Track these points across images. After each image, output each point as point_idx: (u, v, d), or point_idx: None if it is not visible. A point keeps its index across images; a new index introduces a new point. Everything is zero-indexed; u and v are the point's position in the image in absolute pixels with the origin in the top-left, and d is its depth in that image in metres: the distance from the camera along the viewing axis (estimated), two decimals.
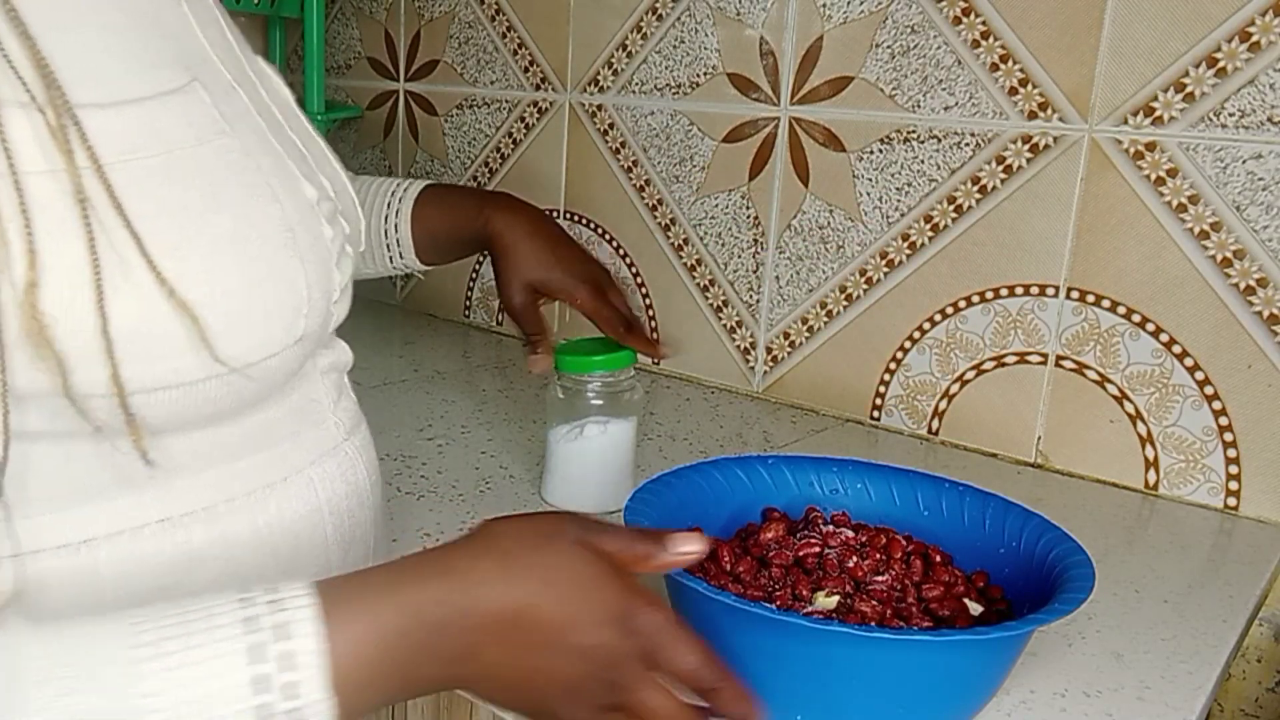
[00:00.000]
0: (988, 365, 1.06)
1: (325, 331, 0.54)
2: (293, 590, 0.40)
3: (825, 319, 1.17)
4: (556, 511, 0.52)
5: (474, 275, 1.52)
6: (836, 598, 0.61)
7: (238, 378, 0.46)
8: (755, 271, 1.21)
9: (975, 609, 0.62)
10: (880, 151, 1.10)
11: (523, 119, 1.41)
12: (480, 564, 0.44)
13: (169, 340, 0.43)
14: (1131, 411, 0.98)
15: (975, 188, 1.04)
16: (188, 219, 0.44)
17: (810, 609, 0.60)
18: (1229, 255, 0.91)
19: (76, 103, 0.42)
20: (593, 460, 0.84)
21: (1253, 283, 0.90)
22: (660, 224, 1.29)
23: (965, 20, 1.02)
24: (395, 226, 0.87)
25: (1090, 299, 0.99)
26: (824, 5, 1.11)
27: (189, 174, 0.45)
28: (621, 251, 1.34)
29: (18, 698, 0.35)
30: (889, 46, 1.07)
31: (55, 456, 0.45)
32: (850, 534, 0.67)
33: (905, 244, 1.09)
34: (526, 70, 1.39)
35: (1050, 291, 1.01)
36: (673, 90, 1.25)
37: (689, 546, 0.49)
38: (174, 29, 0.50)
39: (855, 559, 0.64)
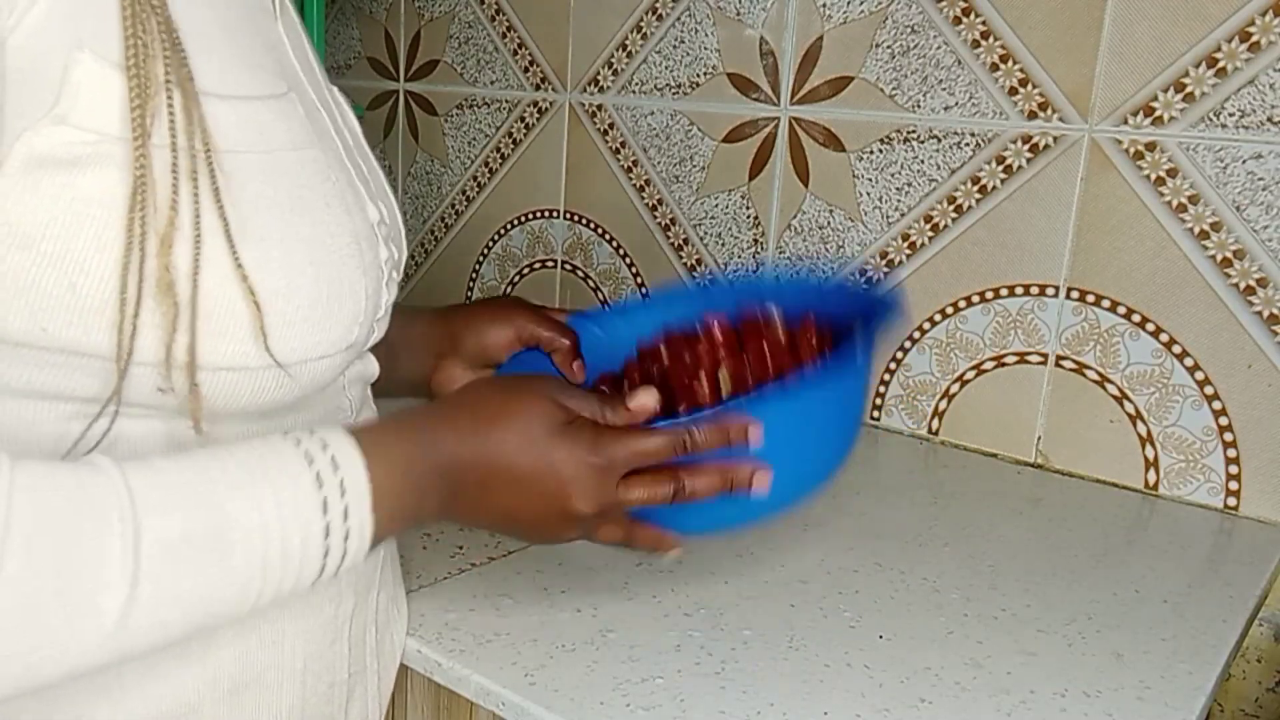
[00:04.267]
0: (988, 365, 1.06)
1: (366, 345, 0.56)
2: (332, 433, 0.48)
3: None
4: (530, 374, 0.59)
5: (474, 275, 1.52)
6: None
7: (291, 371, 0.49)
8: (755, 272, 1.21)
9: None
10: (880, 151, 1.10)
11: (523, 119, 1.41)
12: (460, 420, 0.53)
13: (236, 323, 0.46)
14: (1131, 411, 0.98)
15: (975, 188, 1.04)
16: (274, 216, 0.47)
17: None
18: (1229, 255, 0.91)
19: (201, 89, 0.45)
20: None
21: (1253, 283, 0.90)
22: (660, 224, 1.29)
23: (965, 20, 1.02)
24: None
25: (1090, 299, 0.99)
26: (824, 5, 1.11)
27: (282, 175, 0.48)
28: (621, 251, 1.34)
29: (139, 518, 0.40)
30: (889, 46, 1.07)
31: (124, 434, 0.47)
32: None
33: (905, 244, 1.09)
34: (526, 70, 1.39)
35: (1050, 291, 1.01)
36: (673, 90, 1.25)
37: (646, 401, 0.57)
38: (273, 43, 0.53)
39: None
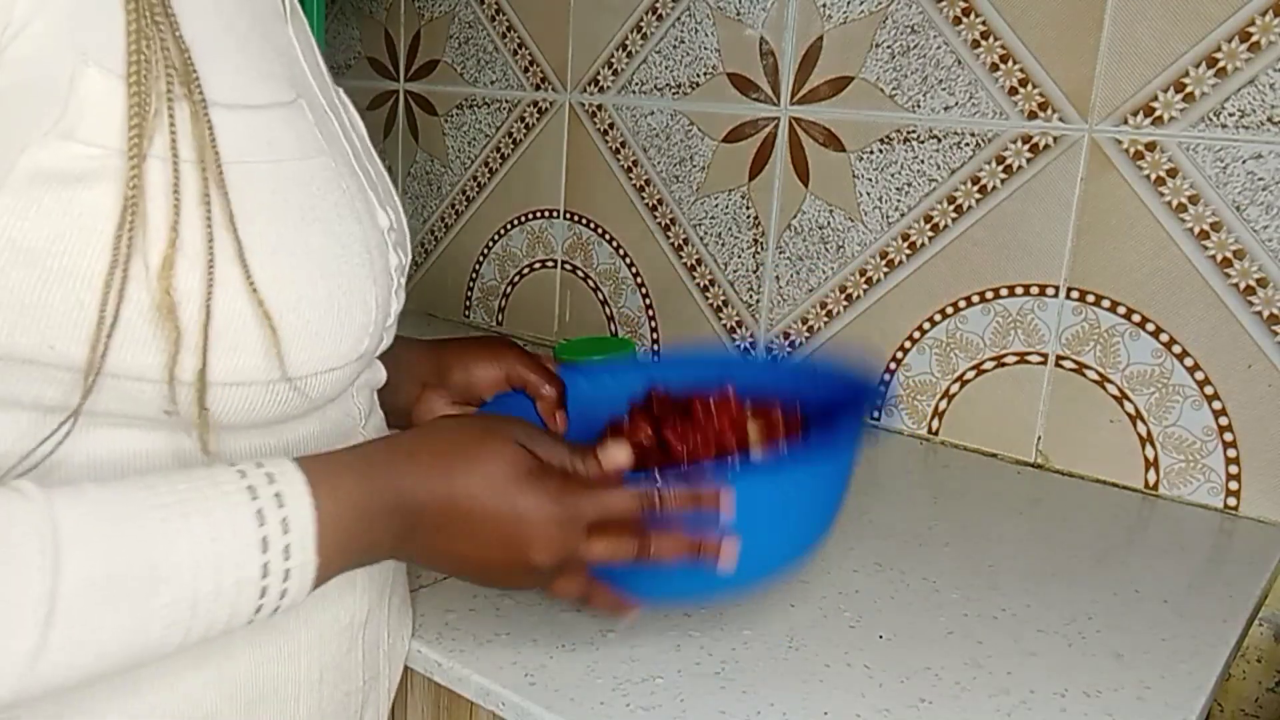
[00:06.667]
0: (988, 365, 1.06)
1: (376, 354, 0.56)
2: (281, 466, 0.46)
3: (825, 319, 1.17)
4: (499, 415, 0.57)
5: (474, 275, 1.52)
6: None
7: (303, 384, 0.48)
8: (755, 271, 1.21)
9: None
10: (880, 151, 1.10)
11: (523, 119, 1.41)
12: (422, 456, 0.51)
13: (248, 338, 0.45)
14: (1131, 411, 0.98)
15: (975, 188, 1.04)
16: (285, 227, 0.46)
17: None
18: (1229, 255, 0.91)
19: (209, 100, 0.44)
20: None
21: (1253, 283, 0.90)
22: (660, 224, 1.29)
23: (965, 20, 1.02)
24: None
25: (1090, 299, 0.99)
26: (824, 5, 1.11)
27: (292, 184, 0.47)
28: (621, 251, 1.34)
29: (60, 555, 0.38)
30: (889, 46, 1.07)
31: (130, 449, 0.46)
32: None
33: (905, 244, 1.09)
34: (526, 70, 1.39)
35: (1050, 291, 1.01)
36: (673, 90, 1.25)
37: (618, 455, 0.55)
38: (283, 48, 0.52)
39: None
